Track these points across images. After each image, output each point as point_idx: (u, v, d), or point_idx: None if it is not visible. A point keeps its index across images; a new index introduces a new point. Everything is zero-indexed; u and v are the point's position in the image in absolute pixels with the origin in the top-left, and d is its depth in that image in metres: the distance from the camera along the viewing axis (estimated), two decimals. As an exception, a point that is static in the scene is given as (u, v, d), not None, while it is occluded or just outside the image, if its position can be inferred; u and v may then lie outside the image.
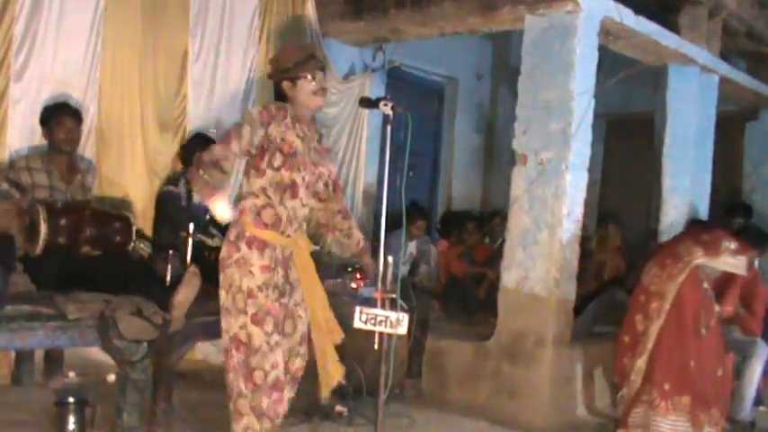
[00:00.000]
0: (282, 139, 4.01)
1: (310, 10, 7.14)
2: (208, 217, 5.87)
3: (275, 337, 4.02)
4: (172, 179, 6.01)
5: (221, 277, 4.09)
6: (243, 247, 4.02)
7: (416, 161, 8.96)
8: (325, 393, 4.43)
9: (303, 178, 4.06)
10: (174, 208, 5.77)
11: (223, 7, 6.58)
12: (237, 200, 4.27)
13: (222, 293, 4.09)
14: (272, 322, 4.01)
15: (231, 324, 4.05)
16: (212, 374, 6.03)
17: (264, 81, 6.81)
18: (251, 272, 4.00)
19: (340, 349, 4.38)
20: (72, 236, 4.87)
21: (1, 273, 4.23)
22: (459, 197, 9.95)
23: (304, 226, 4.24)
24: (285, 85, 4.13)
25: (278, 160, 4.01)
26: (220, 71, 6.59)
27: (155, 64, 6.16)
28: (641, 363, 5.54)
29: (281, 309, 4.09)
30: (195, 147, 5.99)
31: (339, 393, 5.39)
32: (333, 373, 4.31)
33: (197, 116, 6.43)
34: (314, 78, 4.09)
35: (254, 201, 4.05)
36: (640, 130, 8.75)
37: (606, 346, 6.29)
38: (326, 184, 4.29)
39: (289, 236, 4.11)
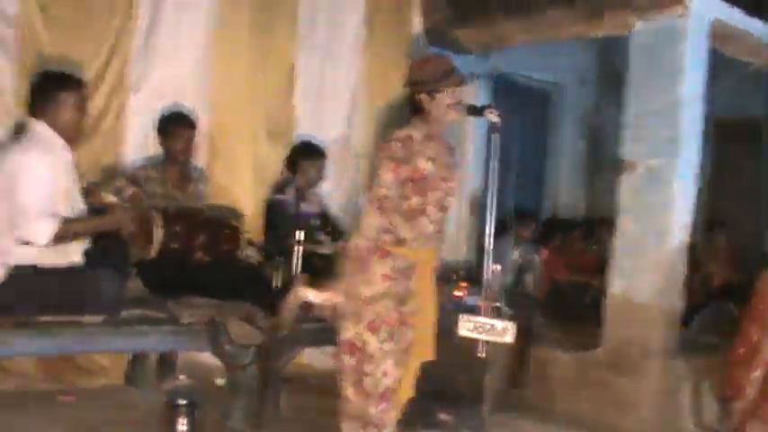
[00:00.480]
0: (414, 169, 3.93)
1: (416, 19, 7.22)
2: (316, 224, 5.98)
3: (388, 345, 3.99)
4: (280, 187, 6.11)
5: (342, 282, 4.07)
6: (365, 254, 3.98)
7: (521, 168, 8.91)
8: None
9: (433, 198, 3.98)
10: (283, 215, 5.84)
11: (330, 19, 6.70)
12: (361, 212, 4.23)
13: (341, 298, 4.06)
14: (387, 330, 3.98)
15: (347, 329, 4.02)
16: (319, 379, 6.08)
17: (370, 91, 6.95)
18: (371, 280, 3.96)
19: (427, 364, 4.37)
20: (185, 242, 4.98)
21: (117, 278, 4.37)
22: (565, 204, 9.84)
23: (432, 240, 4.13)
24: (423, 97, 4.00)
25: (407, 189, 3.94)
26: (327, 81, 6.72)
27: (264, 75, 6.31)
28: (757, 375, 5.38)
29: (398, 317, 4.02)
30: (301, 155, 6.13)
31: (443, 401, 5.40)
32: (403, 393, 4.27)
33: (304, 125, 6.56)
34: (452, 93, 3.98)
35: (378, 221, 3.98)
36: (751, 134, 8.55)
37: (714, 359, 6.14)
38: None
39: (413, 248, 4.05)
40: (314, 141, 6.30)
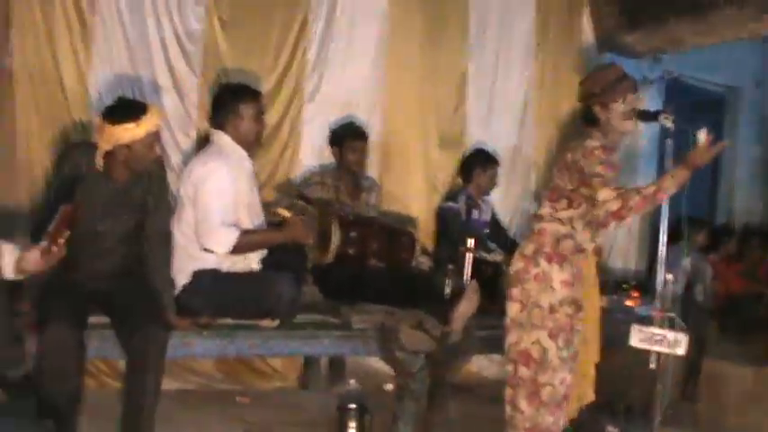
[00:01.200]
0: None
1: (586, 25, 7.17)
2: (487, 231, 6.01)
3: (565, 353, 3.95)
4: (451, 195, 6.18)
5: (514, 291, 4.01)
6: (542, 262, 3.93)
7: (694, 173, 8.65)
8: (571, 414, 4.28)
9: None
10: (454, 223, 5.89)
11: (500, 27, 6.71)
12: (534, 219, 4.18)
13: (515, 307, 4.01)
14: (564, 337, 3.93)
15: (522, 339, 3.98)
16: (487, 388, 6.05)
17: (541, 98, 6.93)
18: (552, 287, 3.91)
19: (599, 370, 4.32)
20: (360, 248, 5.07)
21: (295, 282, 4.45)
22: (741, 211, 9.52)
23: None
24: (597, 109, 3.95)
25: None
26: (498, 89, 6.72)
27: (435, 83, 6.39)
28: None
29: (572, 323, 3.97)
30: (475, 163, 6.18)
31: (612, 413, 5.32)
32: (583, 395, 4.21)
33: (475, 133, 6.59)
34: (625, 101, 3.93)
35: (558, 227, 3.96)
36: None
37: None
38: None
39: (586, 254, 4.04)
40: (486, 149, 6.36)
